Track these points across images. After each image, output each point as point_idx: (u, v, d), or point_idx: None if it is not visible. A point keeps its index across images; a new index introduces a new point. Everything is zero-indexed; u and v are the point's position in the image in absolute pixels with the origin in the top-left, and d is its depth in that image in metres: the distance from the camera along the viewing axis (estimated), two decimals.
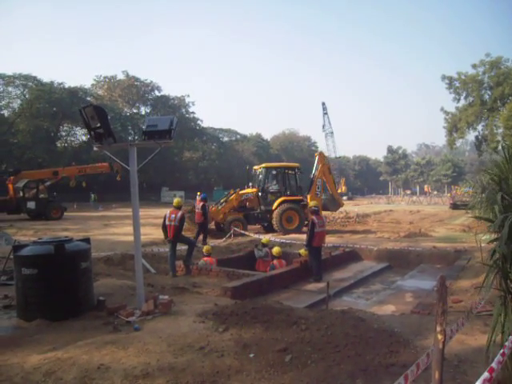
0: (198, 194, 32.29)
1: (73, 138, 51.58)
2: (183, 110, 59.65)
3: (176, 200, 9.59)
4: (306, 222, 16.18)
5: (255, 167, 19.11)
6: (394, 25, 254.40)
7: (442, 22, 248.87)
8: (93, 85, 54.62)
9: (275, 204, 16.98)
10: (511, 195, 3.00)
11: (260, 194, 17.40)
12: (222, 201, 17.26)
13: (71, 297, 5.20)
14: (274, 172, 18.27)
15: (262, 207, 17.28)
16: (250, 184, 18.53)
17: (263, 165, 18.74)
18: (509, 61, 29.53)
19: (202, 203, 13.98)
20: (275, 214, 16.71)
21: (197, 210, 14.09)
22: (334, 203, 18.65)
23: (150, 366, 3.67)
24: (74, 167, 25.91)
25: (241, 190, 17.66)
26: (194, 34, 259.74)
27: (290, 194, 17.48)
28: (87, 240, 5.81)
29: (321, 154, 18.69)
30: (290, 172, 18.21)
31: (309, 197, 17.12)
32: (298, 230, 16.55)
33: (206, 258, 9.78)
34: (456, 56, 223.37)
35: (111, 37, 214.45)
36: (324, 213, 16.23)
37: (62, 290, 5.10)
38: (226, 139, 72.86)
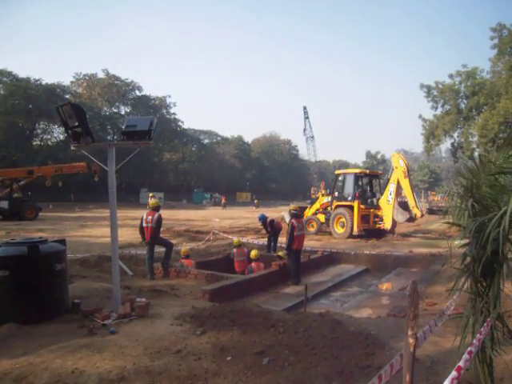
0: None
1: (49, 136, 50.47)
2: (164, 111, 59.24)
3: (152, 201, 9.47)
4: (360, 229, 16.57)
5: None
6: (374, 32, 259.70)
7: (422, 30, 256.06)
8: (72, 82, 53.58)
9: (331, 209, 17.63)
10: (482, 201, 3.10)
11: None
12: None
13: (45, 299, 5.06)
14: (340, 178, 18.56)
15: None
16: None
17: (336, 172, 19.46)
18: (484, 71, 30.48)
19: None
20: (330, 218, 17.17)
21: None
22: (403, 212, 15.87)
23: (125, 369, 3.61)
24: (49, 166, 25.22)
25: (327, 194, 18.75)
26: (175, 32, 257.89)
27: (350, 199, 17.24)
28: (62, 241, 5.68)
29: (394, 155, 16.95)
30: (348, 177, 17.88)
31: (380, 203, 16.73)
32: (346, 236, 16.35)
33: (183, 260, 9.71)
34: (435, 64, 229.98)
35: (92, 35, 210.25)
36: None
37: (35, 292, 4.95)
38: (206, 141, 72.64)
